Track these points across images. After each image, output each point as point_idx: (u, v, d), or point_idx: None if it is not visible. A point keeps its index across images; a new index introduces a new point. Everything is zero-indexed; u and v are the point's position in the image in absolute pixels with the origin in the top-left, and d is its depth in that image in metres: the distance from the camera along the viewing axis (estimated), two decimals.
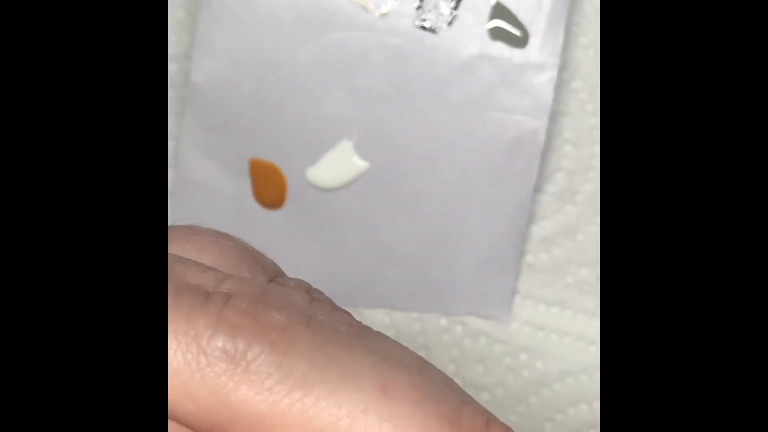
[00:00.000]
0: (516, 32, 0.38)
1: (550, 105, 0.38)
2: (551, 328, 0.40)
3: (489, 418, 0.21)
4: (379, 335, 0.22)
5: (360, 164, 0.39)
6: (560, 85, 0.39)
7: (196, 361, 0.20)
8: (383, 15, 0.38)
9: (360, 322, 0.22)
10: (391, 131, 0.39)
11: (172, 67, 0.40)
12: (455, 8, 0.38)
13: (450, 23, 0.38)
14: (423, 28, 0.38)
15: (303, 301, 0.22)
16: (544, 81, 0.38)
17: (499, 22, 0.38)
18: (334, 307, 0.22)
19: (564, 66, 0.39)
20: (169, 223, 0.22)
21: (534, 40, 0.38)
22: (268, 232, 0.40)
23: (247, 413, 0.20)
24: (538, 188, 0.40)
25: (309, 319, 0.21)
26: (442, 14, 0.38)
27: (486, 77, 0.38)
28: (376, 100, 0.39)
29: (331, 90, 0.39)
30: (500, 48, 0.38)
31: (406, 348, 0.22)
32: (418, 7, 0.38)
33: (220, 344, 0.20)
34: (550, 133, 0.39)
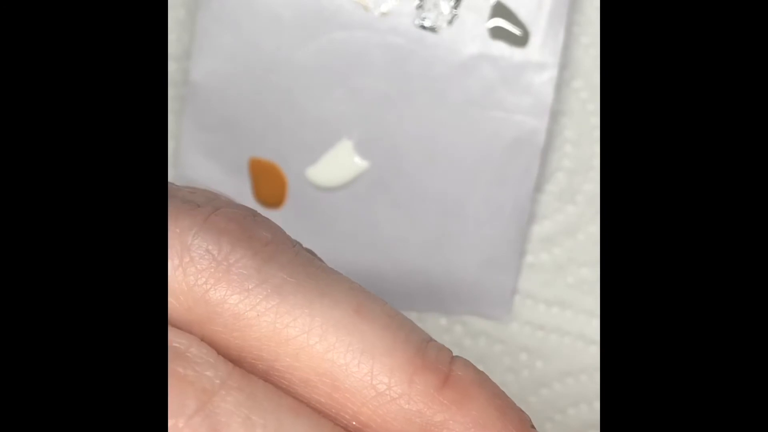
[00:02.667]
0: (516, 31, 0.38)
1: (551, 104, 0.38)
2: (551, 328, 0.40)
3: (454, 355, 0.22)
4: None
5: (360, 164, 0.39)
6: (561, 85, 0.39)
7: (179, 257, 0.21)
8: (383, 14, 0.38)
9: None
10: (391, 131, 0.39)
11: (172, 66, 0.40)
12: (455, 7, 0.38)
13: (450, 22, 0.38)
14: (423, 27, 0.38)
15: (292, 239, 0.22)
16: (544, 80, 0.38)
17: (499, 21, 0.38)
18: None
19: (565, 65, 0.39)
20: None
21: (534, 40, 0.38)
22: None
23: (223, 312, 0.21)
24: (538, 188, 0.40)
25: (295, 245, 0.22)
26: (442, 13, 0.38)
27: (486, 76, 0.38)
28: (376, 99, 0.39)
29: (331, 90, 0.39)
30: (501, 47, 0.38)
31: None
32: (418, 6, 0.38)
33: (204, 244, 0.21)
34: (551, 133, 0.39)
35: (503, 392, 0.22)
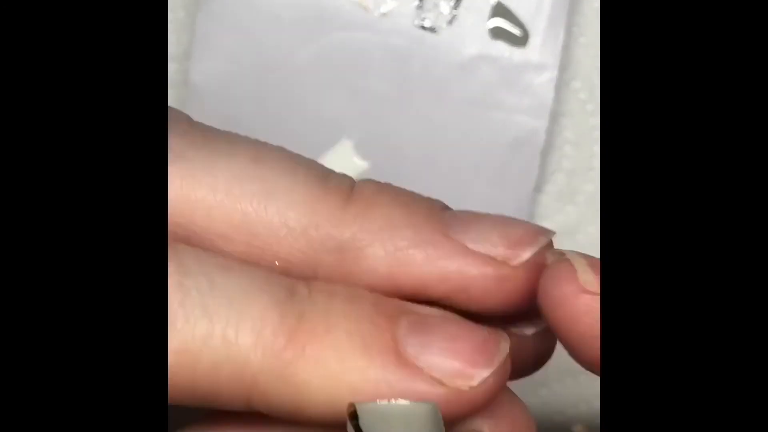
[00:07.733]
0: (516, 32, 0.38)
1: (551, 105, 0.38)
2: None
3: (353, 181, 0.23)
4: None
5: (360, 164, 0.39)
6: (561, 85, 0.39)
7: None
8: (383, 15, 0.38)
9: None
10: (391, 131, 0.39)
11: (172, 67, 0.40)
12: (455, 7, 0.38)
13: (450, 22, 0.38)
14: (423, 27, 0.38)
15: None
16: (544, 81, 0.38)
17: (499, 21, 0.38)
18: None
19: (564, 66, 0.39)
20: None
21: (534, 40, 0.38)
22: None
23: None
24: (538, 188, 0.40)
25: (188, 119, 0.24)
26: (442, 13, 0.38)
27: (486, 77, 0.38)
28: (376, 100, 0.39)
29: (331, 90, 0.39)
30: (500, 47, 0.38)
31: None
32: (418, 7, 0.38)
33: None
34: (551, 133, 0.39)
35: (408, 191, 0.23)
